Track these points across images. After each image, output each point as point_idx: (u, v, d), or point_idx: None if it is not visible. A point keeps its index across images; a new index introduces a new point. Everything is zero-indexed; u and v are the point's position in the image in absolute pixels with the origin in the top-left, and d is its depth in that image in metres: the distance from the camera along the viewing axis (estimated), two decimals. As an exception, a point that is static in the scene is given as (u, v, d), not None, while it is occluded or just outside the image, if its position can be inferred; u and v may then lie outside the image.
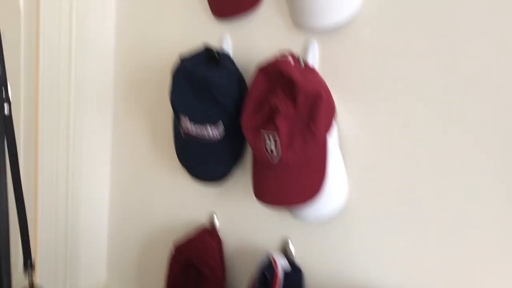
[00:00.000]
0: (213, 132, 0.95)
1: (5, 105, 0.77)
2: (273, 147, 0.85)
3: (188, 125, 0.96)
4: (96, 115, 1.26)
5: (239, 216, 1.06)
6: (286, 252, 0.97)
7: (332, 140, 0.87)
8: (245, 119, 0.89)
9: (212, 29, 1.07)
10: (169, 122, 1.16)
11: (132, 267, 1.30)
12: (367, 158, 0.87)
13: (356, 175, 0.88)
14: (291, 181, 0.87)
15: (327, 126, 0.85)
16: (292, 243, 0.97)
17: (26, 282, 0.86)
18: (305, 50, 0.92)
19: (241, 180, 1.04)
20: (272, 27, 0.97)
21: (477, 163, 0.75)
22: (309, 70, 0.88)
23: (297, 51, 0.94)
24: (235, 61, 1.00)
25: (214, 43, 1.06)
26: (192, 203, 1.14)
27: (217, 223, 1.09)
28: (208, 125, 0.95)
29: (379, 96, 0.85)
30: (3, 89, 0.77)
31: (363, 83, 0.87)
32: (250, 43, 1.02)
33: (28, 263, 0.84)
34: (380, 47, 0.85)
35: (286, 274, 0.92)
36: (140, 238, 1.27)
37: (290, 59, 0.86)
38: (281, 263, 0.92)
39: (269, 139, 0.85)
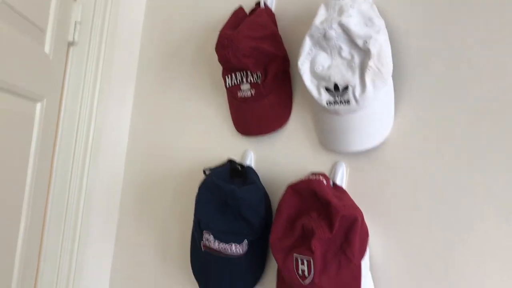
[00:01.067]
0: (236, 249, 0.92)
1: None
2: (305, 270, 0.82)
3: (211, 241, 0.92)
4: (102, 218, 1.21)
5: None
6: None
7: (365, 264, 0.85)
8: (275, 239, 0.87)
9: (234, 143, 1.08)
10: (180, 234, 1.12)
11: None
12: (399, 280, 0.85)
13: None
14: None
15: (362, 251, 0.83)
16: None
17: None
18: (333, 170, 0.93)
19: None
20: (298, 145, 0.99)
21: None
22: (340, 191, 0.88)
23: (324, 170, 0.94)
24: (261, 177, 0.99)
25: (235, 157, 1.06)
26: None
27: None
28: (233, 244, 0.91)
29: (410, 219, 0.85)
30: None
31: (393, 206, 0.87)
32: (273, 160, 1.03)
33: None
34: (408, 170, 0.86)
35: None
36: None
37: (322, 179, 0.86)
38: None
39: (302, 262, 0.82)
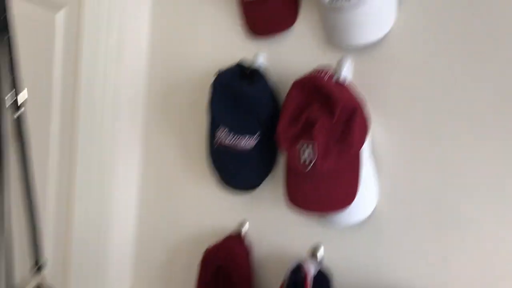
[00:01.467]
0: (247, 142, 1.00)
1: (19, 110, 0.81)
2: (308, 157, 0.89)
3: (224, 136, 1.01)
4: (128, 124, 1.30)
5: (269, 223, 1.10)
6: (316, 258, 1.00)
7: (366, 150, 0.92)
8: (281, 129, 0.94)
9: (246, 46, 1.12)
10: (200, 134, 1.21)
11: (159, 274, 1.33)
12: (399, 166, 0.92)
13: (388, 182, 0.93)
14: (326, 189, 0.91)
15: (362, 139, 0.89)
16: (322, 248, 1.01)
17: (34, 282, 0.89)
18: (339, 66, 0.97)
19: (271, 189, 1.08)
20: (306, 44, 1.03)
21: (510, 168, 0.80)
22: (343, 85, 0.93)
23: (331, 66, 0.99)
24: (270, 77, 1.05)
25: (248, 60, 1.11)
26: (222, 211, 1.18)
27: (246, 230, 1.12)
28: (247, 136, 0.99)
29: (411, 108, 0.90)
30: (15, 93, 0.81)
31: (395, 96, 0.92)
32: (284, 60, 1.07)
33: (39, 265, 0.87)
34: (412, 62, 0.90)
35: (315, 279, 0.95)
36: (168, 246, 1.30)
37: (325, 74, 0.91)
38: (311, 269, 0.95)
39: (305, 149, 0.90)
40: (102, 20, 1.18)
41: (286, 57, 1.07)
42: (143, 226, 1.35)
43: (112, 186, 1.29)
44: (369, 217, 0.94)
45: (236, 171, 1.05)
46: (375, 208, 0.94)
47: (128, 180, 1.32)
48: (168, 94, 1.28)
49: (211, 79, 1.03)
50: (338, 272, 0.99)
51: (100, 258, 1.29)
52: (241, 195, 1.13)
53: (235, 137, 1.00)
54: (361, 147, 0.89)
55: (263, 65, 1.08)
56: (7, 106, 0.80)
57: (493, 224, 0.82)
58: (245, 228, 1.13)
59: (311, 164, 0.89)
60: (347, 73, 0.97)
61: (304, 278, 0.93)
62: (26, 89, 0.83)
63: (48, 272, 1.10)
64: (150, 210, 1.34)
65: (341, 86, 0.91)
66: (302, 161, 0.90)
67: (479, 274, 0.83)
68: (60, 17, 1.08)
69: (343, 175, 0.90)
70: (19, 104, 0.79)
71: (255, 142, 1.01)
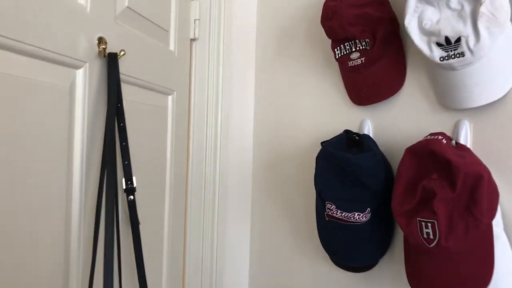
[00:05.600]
0: (359, 217, 0.93)
1: (131, 194, 0.84)
2: (430, 233, 0.80)
3: (333, 210, 0.95)
4: (236, 198, 1.30)
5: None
6: None
7: (497, 224, 0.80)
8: (396, 204, 0.86)
9: (350, 114, 1.08)
10: (308, 207, 1.16)
11: None
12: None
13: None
14: (454, 271, 0.79)
15: (491, 210, 0.78)
16: None
17: None
18: (455, 129, 0.88)
19: (390, 269, 0.98)
20: (416, 108, 0.96)
21: None
22: (463, 149, 0.83)
23: (445, 131, 0.90)
24: (378, 145, 0.99)
25: (353, 128, 1.07)
26: (335, 291, 1.09)
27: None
28: (355, 213, 0.92)
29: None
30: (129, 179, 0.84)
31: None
32: (392, 126, 1.01)
33: None
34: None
35: None
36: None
37: (441, 138, 0.83)
38: None
39: (426, 225, 0.80)
40: (210, 103, 1.23)
41: (395, 122, 1.00)
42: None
43: (225, 261, 1.28)
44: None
45: (347, 246, 0.97)
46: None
47: (238, 257, 1.29)
48: (274, 167, 1.27)
49: (316, 149, 0.99)
50: None
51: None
52: (356, 275, 1.04)
53: (343, 213, 0.94)
54: (492, 218, 0.78)
55: (370, 132, 1.03)
56: (123, 189, 0.84)
57: None
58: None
59: (435, 243, 0.79)
60: (465, 136, 0.88)
61: None
62: (134, 177, 0.88)
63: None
64: (259, 286, 1.29)
65: (461, 151, 0.82)
66: (423, 238, 0.81)
67: None
68: (171, 100, 1.14)
69: (474, 253, 0.78)
70: (133, 188, 0.83)
71: (369, 216, 0.93)
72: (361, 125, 1.05)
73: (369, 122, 1.04)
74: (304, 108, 1.20)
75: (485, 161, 0.84)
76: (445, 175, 0.80)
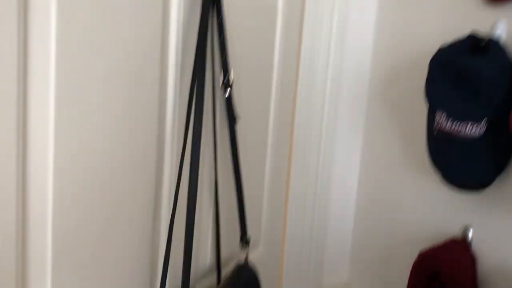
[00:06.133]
0: (472, 129, 0.83)
1: (228, 89, 0.83)
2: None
3: (443, 121, 0.86)
4: (349, 112, 1.26)
5: (500, 232, 0.90)
6: None
7: None
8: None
9: (482, 15, 0.93)
10: (423, 123, 1.07)
11: (373, 270, 1.25)
12: None
13: None
14: None
15: None
16: None
17: (241, 257, 0.92)
18: None
19: (506, 190, 0.88)
20: None
21: None
22: None
23: None
24: (510, 52, 0.85)
25: (484, 31, 0.93)
26: (444, 212, 1.02)
27: (471, 237, 0.95)
28: (469, 123, 0.83)
29: None
30: (226, 74, 0.83)
31: None
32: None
33: (244, 239, 0.90)
34: None
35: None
36: (384, 242, 1.21)
37: None
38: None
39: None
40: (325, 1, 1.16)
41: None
42: (361, 220, 1.29)
43: (331, 177, 1.27)
44: None
45: (457, 163, 0.89)
46: None
47: (347, 173, 1.27)
48: (392, 78, 1.18)
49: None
50: None
51: (316, 248, 1.29)
52: (468, 195, 0.96)
53: (456, 123, 0.84)
54: None
55: (502, 36, 0.88)
56: (220, 85, 0.85)
57: None
58: (471, 233, 0.95)
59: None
60: None
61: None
62: (232, 69, 0.88)
63: (261, 249, 1.15)
64: (368, 204, 1.27)
65: None
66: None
67: None
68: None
69: None
70: (230, 83, 0.84)
71: (483, 130, 0.83)
72: (492, 29, 0.91)
73: (503, 24, 0.89)
74: (429, 11, 1.07)
75: None
76: None
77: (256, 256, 1.11)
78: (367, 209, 1.27)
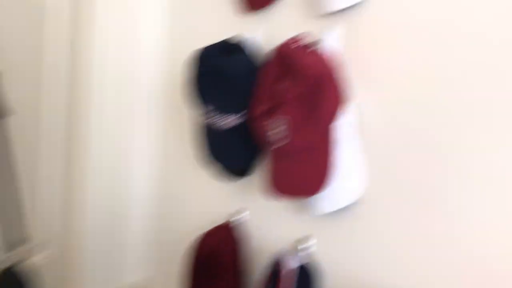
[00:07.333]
0: (228, 121, 0.93)
1: None
2: (279, 134, 0.81)
3: (209, 115, 0.95)
4: (143, 111, 1.29)
5: (266, 212, 1.01)
6: (303, 250, 0.90)
7: (347, 126, 0.80)
8: (253, 106, 0.86)
9: (247, 21, 1.04)
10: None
11: (175, 265, 1.30)
12: (389, 146, 0.80)
13: (377, 163, 0.81)
14: (298, 171, 0.81)
15: (333, 110, 0.78)
16: (311, 240, 0.91)
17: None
18: (321, 34, 0.86)
19: (258, 177, 1.00)
20: (297, 15, 0.93)
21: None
22: (316, 53, 0.82)
23: (320, 36, 0.88)
24: (259, 51, 0.96)
25: (248, 36, 1.03)
26: (220, 199, 1.12)
27: (243, 219, 1.05)
28: (232, 114, 0.92)
29: (403, 77, 0.78)
30: None
31: (383, 65, 0.80)
32: (278, 33, 0.97)
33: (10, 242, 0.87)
34: (400, 25, 0.77)
35: (300, 272, 0.86)
36: (179, 234, 1.26)
37: (296, 42, 0.81)
38: (289, 262, 0.86)
39: (276, 126, 0.81)
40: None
41: (281, 29, 0.96)
42: (159, 218, 1.33)
43: (128, 174, 1.29)
44: (357, 201, 0.82)
45: (226, 152, 0.99)
46: (365, 193, 0.82)
47: (143, 168, 1.31)
48: (174, 80, 1.25)
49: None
50: (328, 264, 0.88)
51: (116, 246, 1.30)
52: (240, 183, 1.06)
53: (219, 116, 0.94)
54: (331, 119, 0.78)
55: (249, 40, 1.00)
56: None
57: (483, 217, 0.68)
58: (242, 216, 1.05)
59: (282, 143, 0.80)
60: (333, 42, 0.86)
61: (279, 272, 0.85)
62: None
63: (54, 251, 1.12)
64: (165, 202, 1.32)
65: (314, 55, 0.81)
66: (273, 138, 0.82)
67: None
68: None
69: (313, 154, 0.79)
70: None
71: (238, 121, 0.93)
72: (242, 34, 1.02)
73: (252, 31, 1.00)
74: (201, 25, 1.16)
75: (353, 64, 0.83)
76: (296, 77, 0.79)
77: (48, 258, 1.08)
78: (165, 207, 1.32)
